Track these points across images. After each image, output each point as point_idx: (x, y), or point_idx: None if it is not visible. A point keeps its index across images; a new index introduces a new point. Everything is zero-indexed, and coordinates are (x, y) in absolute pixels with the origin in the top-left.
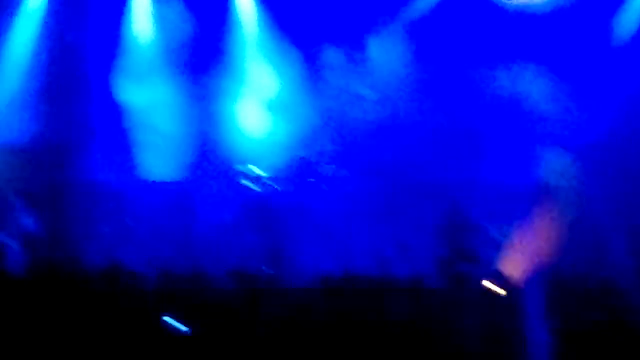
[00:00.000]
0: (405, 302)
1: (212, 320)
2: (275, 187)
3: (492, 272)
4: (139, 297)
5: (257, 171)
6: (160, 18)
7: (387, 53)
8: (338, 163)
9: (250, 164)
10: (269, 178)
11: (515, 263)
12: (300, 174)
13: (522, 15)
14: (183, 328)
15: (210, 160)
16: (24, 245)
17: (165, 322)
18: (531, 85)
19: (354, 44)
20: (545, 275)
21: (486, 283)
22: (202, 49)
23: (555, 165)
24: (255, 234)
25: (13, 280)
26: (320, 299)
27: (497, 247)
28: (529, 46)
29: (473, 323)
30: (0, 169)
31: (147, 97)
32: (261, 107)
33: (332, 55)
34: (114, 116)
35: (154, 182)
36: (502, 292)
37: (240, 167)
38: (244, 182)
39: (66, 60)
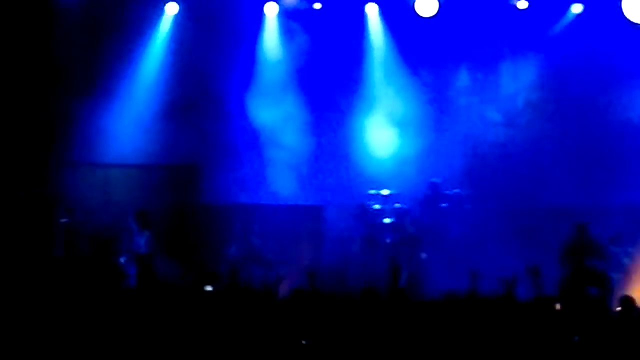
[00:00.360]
0: (527, 323)
1: (340, 335)
2: (406, 210)
3: (619, 296)
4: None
5: (388, 194)
6: (290, 38)
7: (518, 77)
8: (467, 186)
9: (381, 187)
10: (399, 201)
11: None
12: (431, 197)
13: None
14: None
15: (341, 183)
16: (136, 263)
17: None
18: None
19: (485, 68)
20: None
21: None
22: (332, 70)
23: None
24: (383, 255)
25: (129, 295)
26: (444, 316)
27: (623, 270)
28: None
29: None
30: (124, 190)
31: (277, 117)
32: (391, 129)
33: (463, 79)
34: (244, 136)
35: (283, 204)
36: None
37: (371, 191)
38: (375, 206)
39: (196, 80)
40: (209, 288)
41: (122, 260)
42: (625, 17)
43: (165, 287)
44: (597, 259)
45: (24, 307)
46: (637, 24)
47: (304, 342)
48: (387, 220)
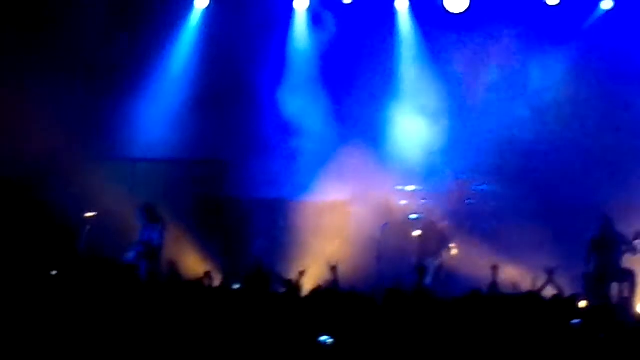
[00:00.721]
0: (550, 321)
1: (361, 333)
2: (432, 206)
3: None
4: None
5: (415, 190)
6: (319, 32)
7: (548, 73)
8: (494, 182)
9: (408, 182)
10: (425, 197)
11: None
12: (457, 193)
13: None
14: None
15: (367, 178)
16: (146, 256)
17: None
18: None
19: (515, 63)
20: None
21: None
22: (362, 66)
23: None
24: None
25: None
26: (466, 313)
27: None
28: None
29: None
30: (151, 184)
31: (306, 111)
32: (420, 124)
33: (492, 74)
34: (272, 130)
35: (308, 198)
36: None
37: (398, 187)
38: (402, 201)
39: (224, 74)
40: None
41: (130, 255)
42: None
43: (181, 283)
44: (622, 253)
45: (44, 305)
46: None
47: (321, 339)
48: (413, 216)
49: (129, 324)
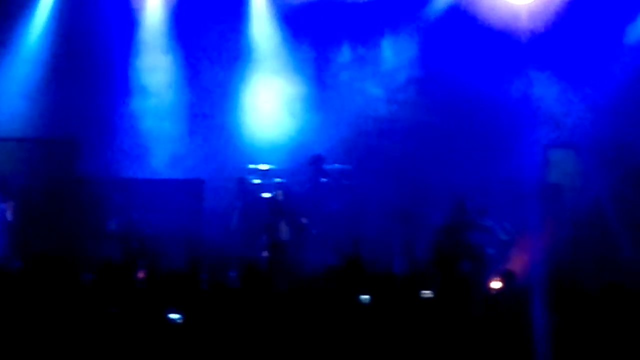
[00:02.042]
0: (405, 299)
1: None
2: (286, 185)
3: (497, 271)
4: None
5: (269, 169)
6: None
7: (400, 54)
8: (347, 161)
9: (262, 162)
10: (280, 176)
11: (520, 261)
12: (312, 172)
13: (533, 16)
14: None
15: (221, 157)
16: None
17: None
18: (540, 87)
19: (368, 44)
20: (550, 273)
21: (494, 283)
22: (215, 44)
23: (563, 165)
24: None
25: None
26: (322, 289)
27: (501, 245)
28: (539, 48)
29: (475, 320)
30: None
31: (157, 92)
32: (274, 104)
33: (345, 55)
34: (124, 110)
35: (163, 178)
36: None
37: (252, 166)
38: (256, 180)
39: (79, 53)
40: None
41: None
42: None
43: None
44: (475, 235)
45: None
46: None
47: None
48: (266, 195)
49: None
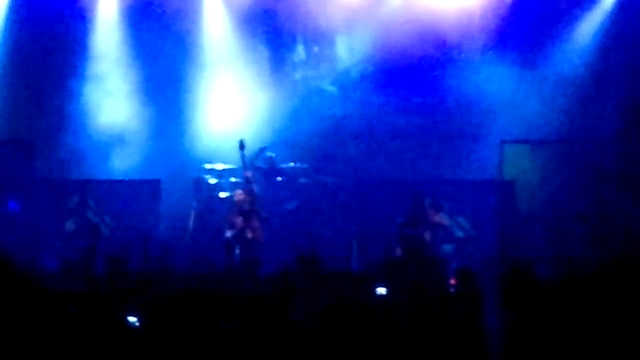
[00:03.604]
0: (362, 295)
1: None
2: (242, 183)
3: (452, 266)
4: None
5: (223, 168)
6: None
7: (353, 51)
8: (303, 160)
9: (216, 160)
10: (234, 175)
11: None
12: (266, 171)
13: (486, 9)
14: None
15: (177, 157)
16: None
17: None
18: (495, 82)
19: (321, 41)
20: (504, 267)
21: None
22: (169, 43)
23: (515, 160)
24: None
25: None
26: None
27: (455, 241)
28: (491, 41)
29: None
30: None
31: (111, 90)
32: (227, 103)
33: (298, 52)
34: (79, 111)
35: (119, 178)
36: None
37: (207, 165)
38: (211, 180)
39: (33, 52)
40: None
41: None
42: None
43: None
44: (430, 231)
45: None
46: None
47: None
48: (222, 195)
49: None
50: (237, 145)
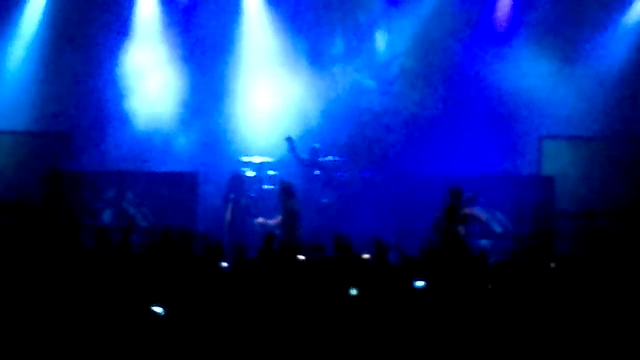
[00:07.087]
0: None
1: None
2: (279, 177)
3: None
4: None
5: (263, 161)
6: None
7: (392, 45)
8: (341, 154)
9: (256, 154)
10: (273, 168)
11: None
12: (308, 163)
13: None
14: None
15: (214, 151)
16: None
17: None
18: (533, 78)
19: (360, 35)
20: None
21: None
22: (209, 39)
23: (554, 156)
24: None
25: None
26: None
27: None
28: (531, 36)
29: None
30: None
31: (152, 85)
32: (267, 97)
33: (337, 46)
34: (118, 104)
35: (156, 170)
36: None
37: (245, 158)
38: (250, 172)
39: (70, 44)
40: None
41: None
42: None
43: None
44: (461, 223)
45: None
46: None
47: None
48: (265, 187)
49: None
50: (281, 140)
